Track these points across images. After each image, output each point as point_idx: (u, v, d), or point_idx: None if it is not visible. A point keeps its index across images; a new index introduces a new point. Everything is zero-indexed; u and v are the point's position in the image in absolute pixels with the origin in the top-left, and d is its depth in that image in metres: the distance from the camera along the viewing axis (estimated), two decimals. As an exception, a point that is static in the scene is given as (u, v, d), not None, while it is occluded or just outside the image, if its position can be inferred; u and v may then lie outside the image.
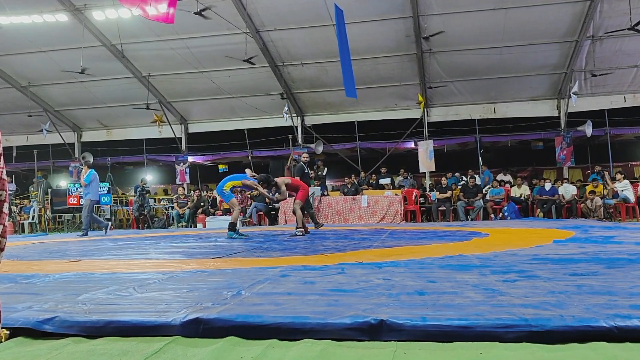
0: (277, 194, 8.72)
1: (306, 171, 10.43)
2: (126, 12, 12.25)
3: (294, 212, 8.55)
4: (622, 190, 11.35)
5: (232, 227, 8.01)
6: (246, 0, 12.19)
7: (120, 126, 17.87)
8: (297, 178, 9.39)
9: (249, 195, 13.40)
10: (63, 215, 15.34)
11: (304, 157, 10.81)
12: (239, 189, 8.48)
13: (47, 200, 14.65)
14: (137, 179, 20.98)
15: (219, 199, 12.81)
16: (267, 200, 8.80)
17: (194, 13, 12.02)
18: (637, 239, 5.78)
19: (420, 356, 1.86)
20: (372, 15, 12.54)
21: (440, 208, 12.90)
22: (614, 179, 11.66)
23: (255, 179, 8.36)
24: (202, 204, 14.05)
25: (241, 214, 13.63)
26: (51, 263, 5.06)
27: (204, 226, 12.84)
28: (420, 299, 2.60)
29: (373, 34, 13.11)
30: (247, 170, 8.73)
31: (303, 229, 8.22)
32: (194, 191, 15.50)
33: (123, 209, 16.22)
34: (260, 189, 8.33)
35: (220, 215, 13.44)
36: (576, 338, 1.94)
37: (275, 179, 8.49)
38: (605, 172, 12.16)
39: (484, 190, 13.12)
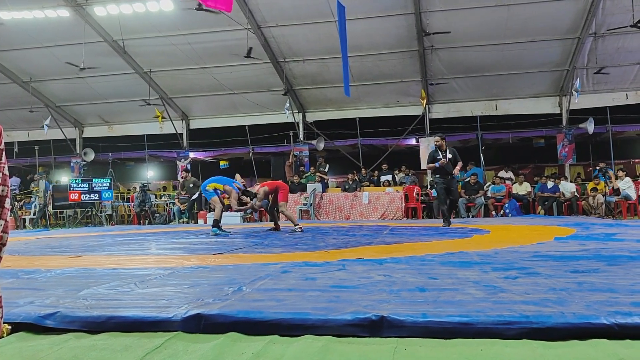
0: (256, 201, 8.62)
1: (438, 157, 8.54)
2: (128, 8, 12.23)
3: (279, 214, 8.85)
4: (624, 189, 11.33)
5: (216, 223, 8.11)
6: (248, -4, 12.19)
7: (122, 122, 17.86)
8: (279, 180, 9.28)
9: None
10: (64, 210, 15.37)
11: (435, 142, 8.82)
12: (220, 191, 8.58)
13: (48, 196, 14.66)
14: (138, 175, 21.02)
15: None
16: (234, 208, 8.77)
17: (195, 9, 12.00)
18: (638, 236, 5.78)
19: (421, 352, 1.87)
20: (374, 12, 12.51)
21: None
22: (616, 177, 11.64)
23: (238, 189, 8.41)
24: (203, 200, 14.07)
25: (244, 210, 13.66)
26: (53, 258, 5.07)
27: (205, 222, 12.85)
28: (421, 296, 2.60)
29: (375, 30, 13.07)
30: (237, 176, 8.86)
31: (300, 225, 8.33)
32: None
33: (124, 205, 16.24)
34: (233, 199, 8.30)
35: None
36: (577, 335, 1.94)
37: (258, 189, 8.55)
38: (608, 169, 12.14)
39: (485, 188, 13.12)
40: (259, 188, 8.60)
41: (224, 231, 8.13)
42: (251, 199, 8.53)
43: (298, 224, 8.30)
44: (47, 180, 14.25)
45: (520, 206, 12.65)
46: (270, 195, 8.71)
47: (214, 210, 8.72)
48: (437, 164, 8.42)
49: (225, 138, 17.46)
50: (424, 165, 15.46)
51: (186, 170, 14.25)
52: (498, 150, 18.52)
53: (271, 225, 9.01)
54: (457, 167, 8.69)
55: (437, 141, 8.70)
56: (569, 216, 11.62)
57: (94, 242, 7.15)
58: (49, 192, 13.98)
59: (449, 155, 8.49)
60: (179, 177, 17.26)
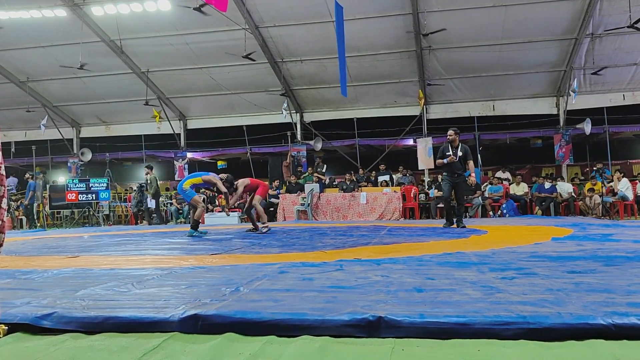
0: (236, 194, 8.38)
1: (448, 153, 8.17)
2: (125, 8, 12.22)
3: (251, 209, 8.52)
4: (622, 190, 11.35)
5: (195, 224, 7.91)
6: (245, -4, 12.18)
7: (119, 122, 17.84)
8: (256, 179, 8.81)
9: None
10: (62, 211, 15.32)
11: (449, 136, 8.30)
12: (201, 186, 8.31)
13: (45, 196, 14.63)
14: (136, 175, 21.00)
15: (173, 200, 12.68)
16: (225, 200, 8.33)
17: (194, 9, 11.99)
18: (635, 236, 5.79)
19: (418, 353, 1.87)
20: (371, 12, 12.52)
21: (438, 205, 12.90)
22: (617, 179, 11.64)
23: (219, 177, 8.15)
24: (200, 200, 14.03)
25: (239, 210, 13.65)
26: (49, 259, 5.05)
27: (203, 222, 12.83)
28: (418, 296, 2.60)
29: (372, 30, 13.08)
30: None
31: (268, 225, 8.24)
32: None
33: (122, 205, 16.21)
34: (220, 184, 8.03)
35: (219, 211, 13.44)
36: (574, 335, 1.94)
37: (237, 182, 8.30)
38: (605, 170, 12.16)
39: (482, 188, 13.14)
40: (240, 181, 8.37)
41: (201, 232, 7.93)
42: (229, 190, 8.26)
43: (266, 224, 8.23)
44: (37, 180, 14.14)
45: (517, 206, 12.66)
46: (248, 194, 8.47)
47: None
48: (445, 160, 8.23)
49: (222, 138, 17.47)
50: (421, 166, 15.50)
51: (148, 167, 13.98)
52: (495, 150, 18.56)
53: (269, 225, 8.96)
54: (473, 176, 8.41)
55: (450, 135, 8.29)
56: (566, 217, 11.64)
57: (91, 243, 7.14)
58: (31, 192, 13.84)
59: (460, 153, 8.21)
60: (176, 177, 17.24)
